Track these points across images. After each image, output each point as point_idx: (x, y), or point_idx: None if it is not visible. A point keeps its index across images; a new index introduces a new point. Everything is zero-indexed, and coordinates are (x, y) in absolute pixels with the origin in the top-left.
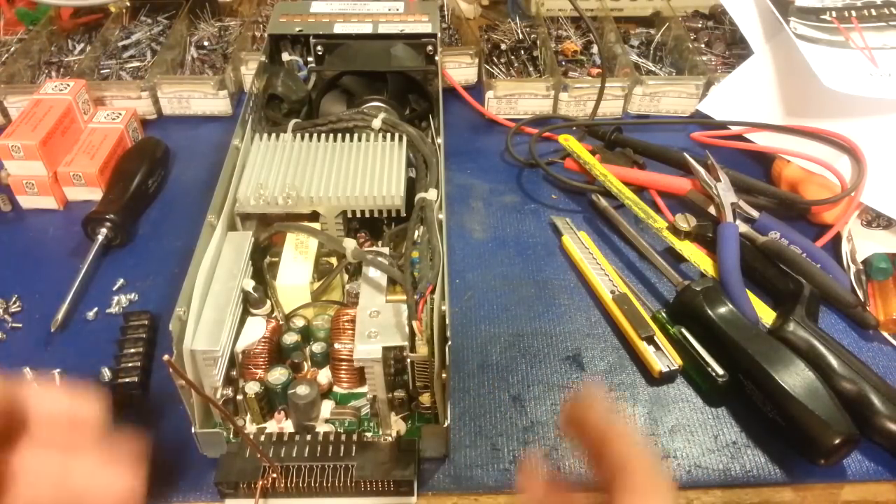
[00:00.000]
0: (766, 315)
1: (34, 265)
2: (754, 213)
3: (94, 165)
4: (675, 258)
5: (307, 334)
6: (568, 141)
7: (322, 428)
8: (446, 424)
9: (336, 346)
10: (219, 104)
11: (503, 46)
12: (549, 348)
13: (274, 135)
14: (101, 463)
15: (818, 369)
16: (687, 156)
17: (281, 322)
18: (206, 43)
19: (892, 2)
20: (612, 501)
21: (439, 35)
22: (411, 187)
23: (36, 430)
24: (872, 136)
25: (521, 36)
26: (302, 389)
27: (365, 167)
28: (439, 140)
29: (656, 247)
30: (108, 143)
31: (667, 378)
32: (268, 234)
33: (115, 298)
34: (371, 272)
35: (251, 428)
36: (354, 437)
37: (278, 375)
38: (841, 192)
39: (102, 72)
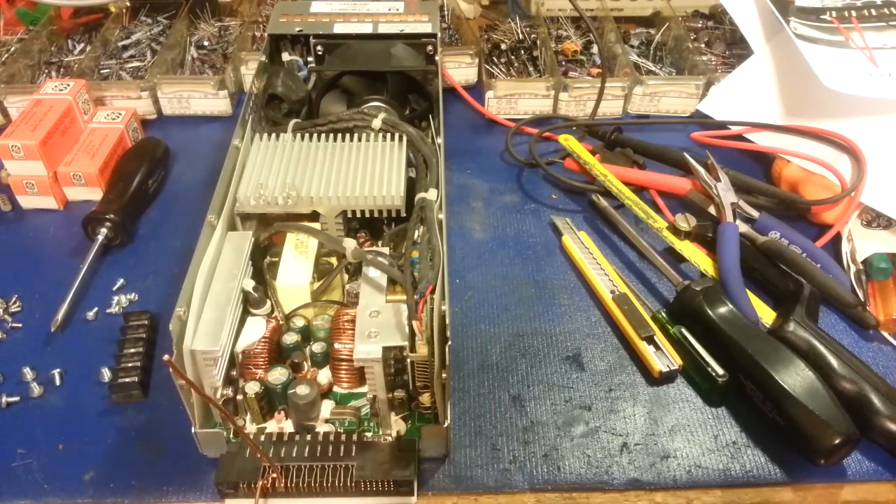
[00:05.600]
0: (766, 315)
1: (34, 265)
2: (754, 213)
3: (94, 165)
4: (675, 258)
5: (307, 334)
6: (568, 141)
7: (322, 428)
8: (446, 424)
9: (336, 346)
10: (219, 104)
11: (503, 46)
12: (549, 348)
13: (274, 135)
14: None
15: (818, 369)
16: (687, 156)
17: (281, 322)
18: (206, 43)
19: (892, 2)
20: None
21: (439, 35)
22: (411, 187)
23: None
24: (872, 136)
25: (521, 36)
26: (302, 389)
27: (365, 167)
28: (439, 140)
29: (656, 247)
30: (108, 143)
31: (667, 378)
32: (268, 234)
33: (115, 298)
34: (371, 272)
35: (251, 428)
36: (354, 437)
37: (278, 375)
38: (841, 192)
39: (102, 72)
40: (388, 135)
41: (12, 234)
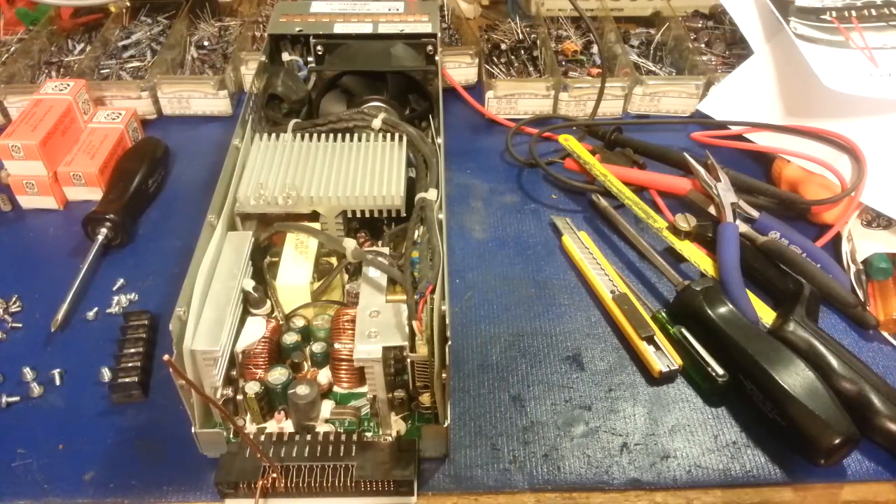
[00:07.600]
0: (766, 315)
1: (34, 265)
2: (754, 213)
3: (94, 165)
4: (675, 258)
5: (307, 334)
6: (568, 141)
7: (322, 428)
8: (446, 424)
9: (336, 346)
10: (219, 104)
11: (503, 46)
12: (549, 348)
13: (274, 135)
14: None
15: (818, 369)
16: (687, 156)
17: (281, 322)
18: (206, 43)
19: (892, 2)
20: None
21: (439, 35)
22: (411, 187)
23: None
24: (872, 136)
25: (521, 36)
26: (302, 389)
27: (365, 167)
28: (439, 140)
29: (656, 247)
30: (108, 143)
31: (667, 378)
32: (268, 234)
33: (115, 298)
34: (371, 272)
35: (251, 428)
36: (354, 437)
37: (278, 375)
38: (841, 192)
39: (102, 72)
40: (388, 135)
41: (12, 234)
